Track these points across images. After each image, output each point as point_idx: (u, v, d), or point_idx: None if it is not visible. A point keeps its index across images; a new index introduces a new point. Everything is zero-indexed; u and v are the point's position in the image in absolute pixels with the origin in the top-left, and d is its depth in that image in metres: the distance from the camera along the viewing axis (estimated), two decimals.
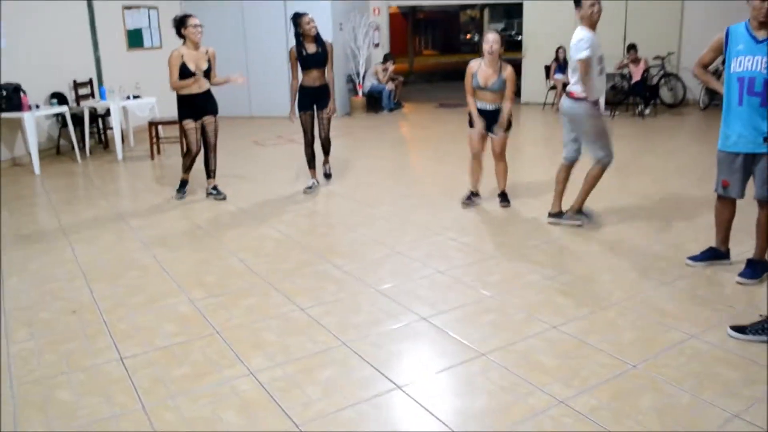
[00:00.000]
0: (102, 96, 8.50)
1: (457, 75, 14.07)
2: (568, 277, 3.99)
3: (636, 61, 10.56)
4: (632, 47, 10.61)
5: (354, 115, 11.84)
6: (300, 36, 5.94)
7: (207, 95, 5.95)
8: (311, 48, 5.98)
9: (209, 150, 6.11)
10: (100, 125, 8.96)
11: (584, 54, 4.45)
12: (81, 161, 8.15)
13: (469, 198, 5.61)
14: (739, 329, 3.09)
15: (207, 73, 5.86)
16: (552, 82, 11.52)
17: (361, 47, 11.77)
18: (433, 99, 14.08)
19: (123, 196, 6.70)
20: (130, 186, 7.14)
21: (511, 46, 13.41)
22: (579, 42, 4.50)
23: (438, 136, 9.78)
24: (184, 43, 5.76)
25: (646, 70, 10.58)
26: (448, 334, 3.24)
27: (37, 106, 7.76)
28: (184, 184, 6.21)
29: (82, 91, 8.87)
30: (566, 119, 4.87)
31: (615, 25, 11.38)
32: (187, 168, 6.15)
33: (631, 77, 10.68)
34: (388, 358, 3.04)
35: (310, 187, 6.28)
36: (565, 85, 11.06)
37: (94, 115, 8.76)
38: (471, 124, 5.40)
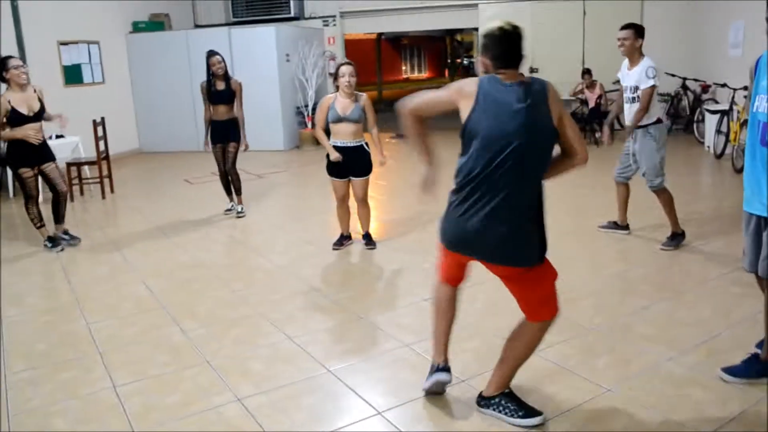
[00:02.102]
0: None
1: None
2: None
3: (591, 86, 10.50)
4: (587, 72, 10.58)
5: (303, 148, 11.51)
6: (210, 74, 6.36)
7: (44, 143, 5.60)
8: (220, 85, 6.39)
9: (60, 197, 5.81)
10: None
11: (655, 81, 4.75)
12: (2, 203, 7.87)
13: (340, 242, 5.45)
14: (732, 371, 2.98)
15: (41, 114, 5.47)
16: None
17: (311, 78, 11.58)
18: (393, 129, 13.18)
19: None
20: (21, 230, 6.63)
21: None
22: (649, 69, 4.75)
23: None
24: (9, 87, 5.36)
25: (601, 96, 10.44)
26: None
27: None
28: (51, 238, 5.78)
29: None
30: (639, 147, 5.01)
31: (572, 50, 11.53)
32: (39, 218, 5.72)
33: (587, 103, 10.64)
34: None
35: (229, 210, 6.76)
36: None
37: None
38: (330, 171, 5.20)
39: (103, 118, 8.03)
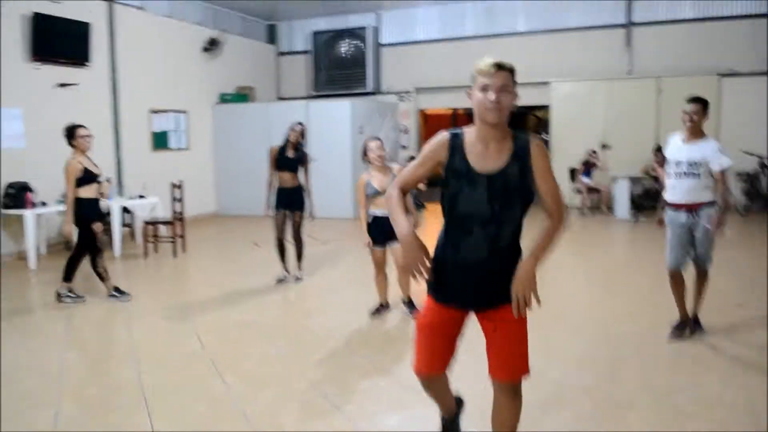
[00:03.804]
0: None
1: None
2: None
3: (662, 162, 10.23)
4: (659, 149, 10.35)
5: None
6: (287, 140, 6.62)
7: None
8: (290, 153, 6.63)
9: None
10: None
11: (729, 162, 4.45)
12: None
13: (378, 310, 5.49)
14: None
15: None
16: (577, 186, 11.48)
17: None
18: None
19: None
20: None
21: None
22: (721, 149, 4.45)
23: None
24: (75, 152, 5.85)
25: None
26: None
27: (44, 204, 8.07)
28: (118, 288, 6.17)
29: None
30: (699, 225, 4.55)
31: (646, 124, 11.37)
32: (105, 268, 6.08)
33: (659, 180, 10.38)
34: None
35: (281, 279, 6.70)
36: (589, 189, 11.26)
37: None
38: (371, 242, 5.30)
39: (181, 181, 8.52)
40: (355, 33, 13.43)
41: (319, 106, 11.80)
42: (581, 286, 6.70)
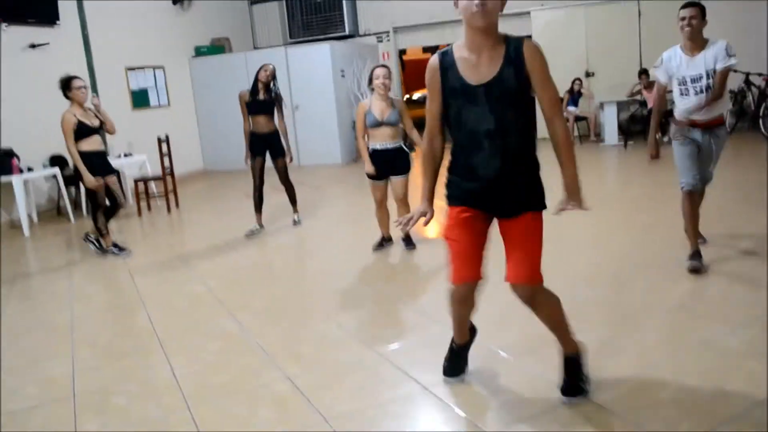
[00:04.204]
0: None
1: None
2: None
3: (649, 86, 10.04)
4: (644, 72, 10.37)
5: (360, 161, 11.60)
6: (255, 82, 6.19)
7: (105, 155, 6.09)
8: (262, 95, 6.19)
9: (117, 208, 6.15)
10: None
11: (736, 60, 4.07)
12: (75, 221, 8.11)
13: (380, 244, 5.47)
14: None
15: (101, 128, 5.91)
16: (565, 115, 11.45)
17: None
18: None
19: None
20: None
21: None
22: (728, 47, 4.08)
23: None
24: (72, 104, 5.77)
25: None
26: None
27: (30, 170, 7.98)
28: (116, 245, 6.13)
29: None
30: (714, 145, 4.25)
31: (628, 51, 11.31)
32: (105, 227, 6.06)
33: (646, 104, 10.36)
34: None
35: (253, 232, 6.38)
36: (577, 118, 11.26)
37: None
38: (369, 175, 5.22)
39: (167, 136, 8.38)
40: None
41: (298, 52, 11.57)
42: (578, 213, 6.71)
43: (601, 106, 10.98)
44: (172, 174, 8.44)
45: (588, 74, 11.71)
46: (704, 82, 4.08)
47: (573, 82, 11.23)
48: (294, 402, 2.87)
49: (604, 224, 5.60)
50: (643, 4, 11.17)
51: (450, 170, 2.60)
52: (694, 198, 4.24)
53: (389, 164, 5.19)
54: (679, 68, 4.17)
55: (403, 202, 5.32)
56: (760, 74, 10.06)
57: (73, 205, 8.60)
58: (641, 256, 4.62)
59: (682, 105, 4.22)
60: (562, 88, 11.32)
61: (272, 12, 13.86)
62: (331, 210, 7.66)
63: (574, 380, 2.66)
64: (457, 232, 2.59)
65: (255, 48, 13.65)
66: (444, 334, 3.04)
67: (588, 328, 3.15)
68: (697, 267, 4.12)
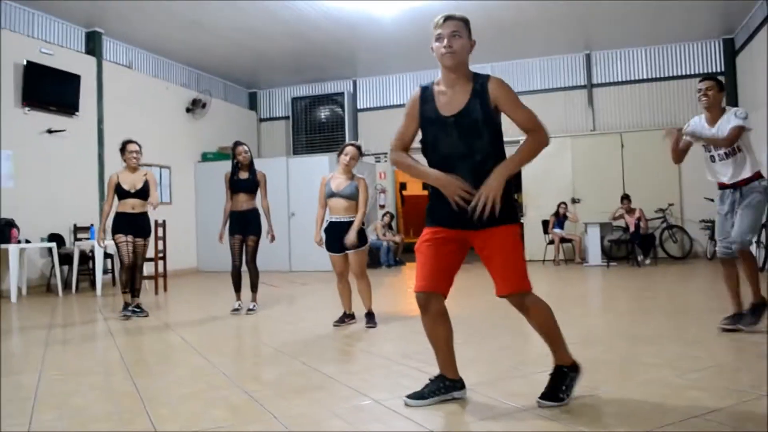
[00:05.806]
0: (92, 236, 8.99)
1: None
2: None
3: (630, 211, 10.94)
4: (626, 197, 11.04)
5: None
6: (236, 163, 6.39)
7: (141, 217, 6.37)
8: (244, 174, 6.36)
9: (134, 269, 6.37)
10: (92, 266, 9.09)
11: (746, 123, 4.32)
12: (62, 296, 8.26)
13: (341, 320, 5.37)
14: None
15: (142, 193, 6.29)
16: (550, 237, 11.87)
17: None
18: None
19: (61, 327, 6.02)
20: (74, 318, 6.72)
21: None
22: (737, 111, 4.39)
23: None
24: (125, 167, 6.37)
25: (639, 218, 10.82)
26: None
27: (28, 242, 8.32)
28: (126, 305, 6.33)
29: (82, 235, 9.30)
30: (740, 206, 4.43)
31: (613, 175, 12.00)
32: (125, 285, 6.32)
33: (628, 229, 11.01)
34: None
35: (236, 310, 6.35)
36: (562, 239, 11.65)
37: (86, 256, 9.13)
38: (327, 246, 5.30)
39: (164, 221, 8.71)
40: (333, 98, 14.01)
41: (299, 162, 12.21)
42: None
43: (585, 228, 11.41)
44: (164, 258, 8.66)
45: (574, 200, 12.26)
46: (715, 151, 4.49)
47: (558, 206, 11.74)
48: None
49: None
50: (625, 135, 12.03)
51: (428, 197, 2.90)
52: (725, 264, 4.53)
53: (344, 239, 5.19)
54: (702, 136, 4.54)
55: (362, 277, 5.29)
56: None
57: (64, 284, 8.76)
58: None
59: (710, 170, 4.61)
60: (549, 211, 11.86)
61: (278, 128, 14.78)
62: (308, 300, 7.68)
63: (555, 389, 2.80)
64: (425, 246, 2.85)
65: (259, 157, 14.35)
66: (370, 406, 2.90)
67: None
68: (728, 326, 4.37)
